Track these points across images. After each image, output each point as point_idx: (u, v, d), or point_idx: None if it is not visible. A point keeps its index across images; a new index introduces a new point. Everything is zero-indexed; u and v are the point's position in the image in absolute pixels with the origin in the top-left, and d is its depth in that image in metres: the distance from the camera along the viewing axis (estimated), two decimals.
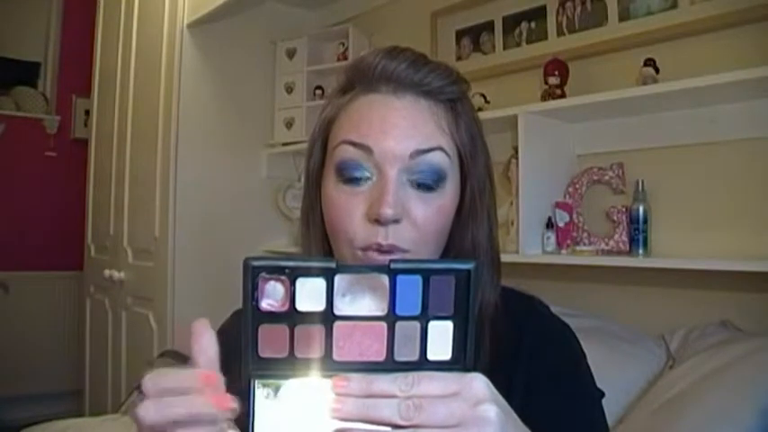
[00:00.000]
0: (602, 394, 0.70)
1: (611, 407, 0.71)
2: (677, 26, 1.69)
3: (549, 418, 0.61)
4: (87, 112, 3.49)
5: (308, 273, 0.41)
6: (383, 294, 0.42)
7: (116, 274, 2.72)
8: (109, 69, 2.95)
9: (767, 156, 1.52)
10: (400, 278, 0.42)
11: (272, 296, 0.42)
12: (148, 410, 0.42)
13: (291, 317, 0.42)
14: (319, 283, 0.42)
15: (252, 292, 0.41)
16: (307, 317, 0.42)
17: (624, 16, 1.81)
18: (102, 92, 3.05)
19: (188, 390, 0.42)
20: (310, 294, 0.42)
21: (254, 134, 2.68)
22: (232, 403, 0.42)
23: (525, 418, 0.45)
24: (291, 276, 0.41)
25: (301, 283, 0.42)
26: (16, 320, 3.57)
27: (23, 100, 3.88)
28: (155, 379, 0.43)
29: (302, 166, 0.85)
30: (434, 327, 0.42)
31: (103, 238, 2.94)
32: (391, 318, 0.42)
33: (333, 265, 0.42)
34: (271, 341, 0.42)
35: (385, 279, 0.42)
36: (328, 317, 0.42)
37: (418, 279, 0.42)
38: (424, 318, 0.42)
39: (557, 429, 0.57)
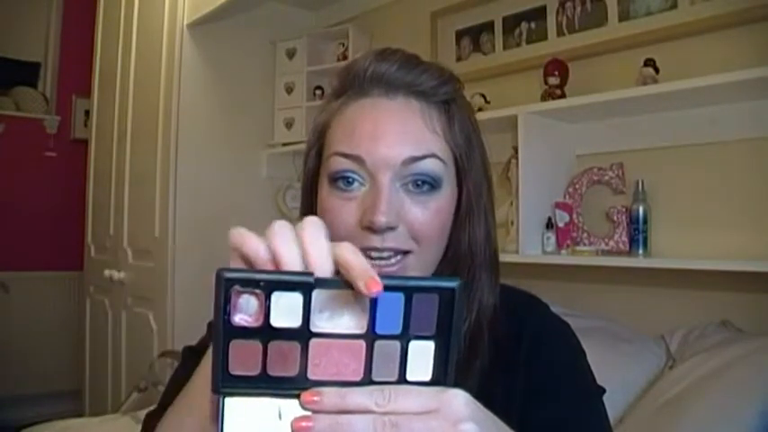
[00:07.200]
0: (603, 391, 0.70)
1: (611, 407, 0.71)
2: (677, 26, 1.69)
3: (551, 423, 0.60)
4: (87, 112, 3.48)
5: (284, 286, 0.39)
6: (363, 311, 0.40)
7: (116, 275, 2.71)
8: (109, 69, 2.94)
9: (767, 156, 1.52)
10: (381, 295, 0.39)
11: (245, 310, 0.39)
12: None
13: (265, 333, 0.39)
14: (296, 298, 0.39)
15: (224, 305, 0.39)
16: (281, 333, 0.39)
17: (624, 16, 1.81)
18: (102, 92, 3.05)
19: None
20: (286, 309, 0.39)
21: (254, 134, 2.68)
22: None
23: (527, 423, 0.44)
24: (266, 290, 0.39)
25: (276, 298, 0.39)
26: (16, 320, 3.56)
27: (23, 100, 3.88)
28: None
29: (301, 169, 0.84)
30: (415, 346, 0.40)
31: (103, 238, 2.94)
32: (370, 336, 0.40)
33: (311, 279, 0.39)
34: (242, 358, 0.40)
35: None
36: (304, 333, 0.40)
37: (400, 296, 0.39)
38: (405, 337, 0.40)
39: None
